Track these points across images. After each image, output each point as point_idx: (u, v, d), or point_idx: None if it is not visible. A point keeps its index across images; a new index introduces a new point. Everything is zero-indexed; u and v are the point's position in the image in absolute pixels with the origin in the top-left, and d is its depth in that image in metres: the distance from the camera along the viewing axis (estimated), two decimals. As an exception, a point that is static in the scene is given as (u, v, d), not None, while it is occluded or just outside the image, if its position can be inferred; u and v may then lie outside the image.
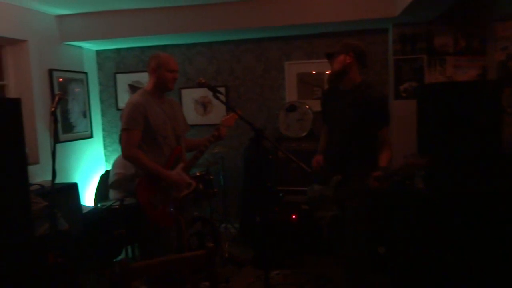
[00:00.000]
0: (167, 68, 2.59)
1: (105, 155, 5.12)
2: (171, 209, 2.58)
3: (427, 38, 4.04)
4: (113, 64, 5.00)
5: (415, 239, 3.07)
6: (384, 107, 2.49)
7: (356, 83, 2.54)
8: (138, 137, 2.54)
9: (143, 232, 2.70)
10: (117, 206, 3.54)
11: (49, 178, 3.74)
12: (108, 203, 3.72)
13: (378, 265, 3.36)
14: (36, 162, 3.93)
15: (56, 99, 2.26)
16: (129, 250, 3.72)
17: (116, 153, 4.83)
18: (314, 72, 4.55)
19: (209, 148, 2.79)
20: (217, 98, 2.45)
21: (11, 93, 3.97)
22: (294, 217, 3.82)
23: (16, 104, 2.34)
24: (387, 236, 3.58)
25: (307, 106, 4.24)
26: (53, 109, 2.22)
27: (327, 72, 4.49)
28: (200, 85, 2.49)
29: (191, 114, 4.75)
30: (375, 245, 3.44)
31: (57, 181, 2.31)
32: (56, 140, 2.21)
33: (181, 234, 2.60)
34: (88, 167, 4.79)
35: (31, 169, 3.30)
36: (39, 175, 3.74)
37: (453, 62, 4.01)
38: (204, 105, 4.81)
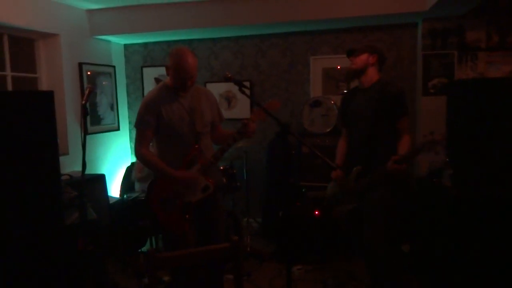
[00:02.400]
0: (175, 73, 2.41)
1: (131, 148, 5.23)
2: (185, 216, 2.41)
3: (458, 33, 3.92)
4: (140, 58, 5.08)
5: (442, 237, 3.01)
6: (400, 98, 2.57)
7: (374, 81, 2.64)
8: (148, 136, 2.44)
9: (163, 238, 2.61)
10: (142, 198, 3.62)
11: (78, 168, 3.85)
12: (134, 195, 3.81)
13: (403, 263, 3.32)
14: (66, 153, 4.05)
15: (87, 92, 2.31)
16: (153, 240, 3.80)
17: (142, 146, 4.91)
18: (339, 67, 4.49)
19: (232, 146, 2.51)
20: (243, 92, 2.42)
21: (43, 85, 4.10)
22: (316, 212, 3.81)
23: (49, 96, 2.41)
24: (413, 234, 3.53)
25: (332, 102, 4.19)
26: (84, 102, 2.27)
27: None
28: (227, 79, 2.48)
29: (216, 108, 4.78)
30: (399, 242, 3.40)
31: (86, 172, 2.34)
32: (85, 132, 2.26)
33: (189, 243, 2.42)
34: (115, 159, 4.90)
35: (61, 159, 3.38)
36: (68, 165, 3.86)
37: (485, 57, 3.88)
38: (228, 100, 4.83)
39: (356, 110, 2.69)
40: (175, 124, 2.43)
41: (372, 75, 2.64)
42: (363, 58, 2.63)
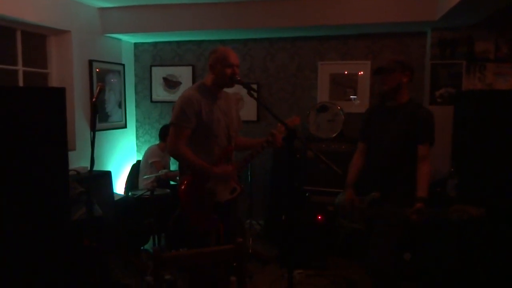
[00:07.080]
0: (225, 64, 2.42)
1: (137, 145, 5.26)
2: (214, 215, 2.45)
3: (467, 43, 3.93)
4: (149, 57, 5.12)
5: (444, 246, 3.02)
6: (429, 123, 2.46)
7: (404, 101, 2.51)
8: (187, 134, 2.42)
9: (186, 235, 2.63)
10: (147, 196, 3.64)
11: (84, 164, 3.89)
12: (138, 192, 3.83)
13: (404, 272, 3.32)
14: (73, 148, 4.09)
15: (98, 90, 2.34)
16: (156, 239, 3.83)
17: (148, 144, 4.95)
18: (346, 72, 4.51)
19: (261, 154, 2.60)
20: (251, 95, 2.45)
21: (53, 81, 4.14)
22: (319, 217, 3.82)
23: (60, 93, 2.44)
24: (414, 243, 3.53)
25: (339, 107, 4.21)
26: (94, 100, 2.30)
27: (360, 73, 4.48)
28: (236, 82, 2.51)
29: (222, 110, 4.81)
30: (401, 251, 3.40)
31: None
32: (94, 129, 2.29)
33: (219, 241, 2.47)
34: (121, 156, 4.93)
35: (68, 155, 3.44)
36: (75, 161, 3.89)
37: (494, 69, 3.88)
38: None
39: (382, 129, 2.56)
40: (213, 125, 2.45)
41: (403, 94, 2.50)
42: (394, 77, 2.45)
